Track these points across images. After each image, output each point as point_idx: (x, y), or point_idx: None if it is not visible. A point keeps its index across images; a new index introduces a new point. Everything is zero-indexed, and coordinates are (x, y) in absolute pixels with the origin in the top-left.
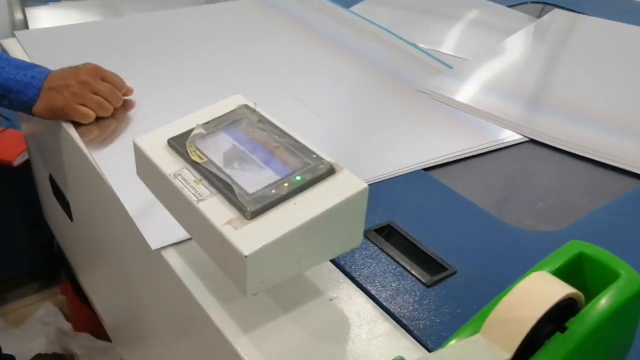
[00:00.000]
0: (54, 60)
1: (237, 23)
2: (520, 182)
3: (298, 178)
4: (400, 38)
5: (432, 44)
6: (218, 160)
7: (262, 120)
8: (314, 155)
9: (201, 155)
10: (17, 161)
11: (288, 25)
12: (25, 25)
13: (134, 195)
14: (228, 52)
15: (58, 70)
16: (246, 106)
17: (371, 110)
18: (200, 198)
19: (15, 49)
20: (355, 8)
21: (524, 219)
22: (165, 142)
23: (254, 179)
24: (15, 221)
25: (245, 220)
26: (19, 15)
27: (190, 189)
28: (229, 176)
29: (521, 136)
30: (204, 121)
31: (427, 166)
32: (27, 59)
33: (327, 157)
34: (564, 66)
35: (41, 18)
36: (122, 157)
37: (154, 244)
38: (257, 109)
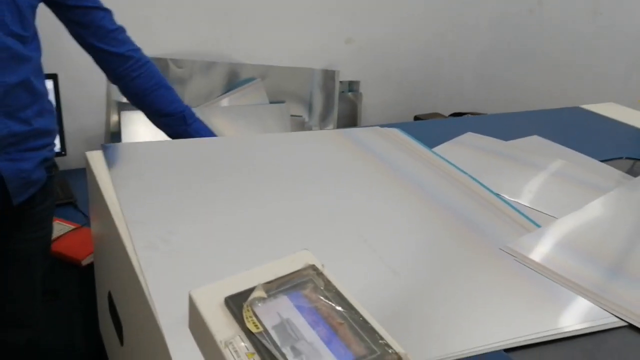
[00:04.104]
0: (131, 177)
1: (321, 156)
2: None
3: None
4: (485, 187)
5: (517, 195)
6: (275, 331)
7: (328, 287)
8: (381, 341)
9: (257, 324)
10: (86, 261)
11: (370, 163)
12: (118, 126)
13: (187, 350)
14: (309, 186)
15: None
16: (313, 267)
17: (449, 269)
18: None
19: (99, 163)
20: (439, 148)
21: None
22: (222, 300)
23: None
24: (75, 322)
25: None
26: (114, 117)
27: None
28: (284, 355)
29: (618, 319)
30: (266, 280)
31: (508, 346)
32: (107, 173)
33: (395, 345)
34: None
35: (134, 122)
36: (182, 301)
37: None
38: (325, 272)
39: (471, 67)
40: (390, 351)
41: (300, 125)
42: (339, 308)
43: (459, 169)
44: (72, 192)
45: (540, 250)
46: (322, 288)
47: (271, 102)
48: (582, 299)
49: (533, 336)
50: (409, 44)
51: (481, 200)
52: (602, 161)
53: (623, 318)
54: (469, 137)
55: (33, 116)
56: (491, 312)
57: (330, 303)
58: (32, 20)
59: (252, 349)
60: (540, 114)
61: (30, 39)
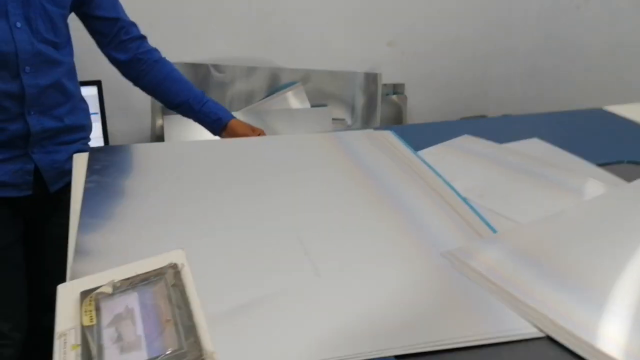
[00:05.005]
0: (104, 180)
1: (302, 158)
2: None
3: None
4: (454, 190)
5: (487, 200)
6: (107, 325)
7: (176, 285)
8: (193, 340)
9: (93, 317)
10: None
11: (343, 166)
12: (162, 130)
13: None
14: (265, 190)
15: None
16: (174, 266)
17: (378, 275)
18: None
19: (81, 166)
20: (429, 150)
21: None
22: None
23: (124, 356)
24: None
25: None
26: (159, 122)
27: (62, 355)
28: (100, 348)
29: (537, 330)
30: (128, 276)
31: (398, 353)
32: (83, 176)
33: (206, 344)
34: None
35: (177, 125)
36: None
37: None
38: (183, 271)
39: (520, 66)
40: (196, 349)
41: (343, 128)
42: (175, 306)
43: (435, 172)
44: None
45: (481, 255)
46: (171, 285)
47: (313, 106)
48: (506, 308)
49: (428, 345)
50: (453, 44)
51: (444, 205)
52: (600, 165)
53: (542, 329)
54: (464, 140)
55: (65, 114)
56: (396, 317)
57: (168, 301)
58: (64, 28)
59: (78, 342)
60: (558, 115)
61: (63, 45)
